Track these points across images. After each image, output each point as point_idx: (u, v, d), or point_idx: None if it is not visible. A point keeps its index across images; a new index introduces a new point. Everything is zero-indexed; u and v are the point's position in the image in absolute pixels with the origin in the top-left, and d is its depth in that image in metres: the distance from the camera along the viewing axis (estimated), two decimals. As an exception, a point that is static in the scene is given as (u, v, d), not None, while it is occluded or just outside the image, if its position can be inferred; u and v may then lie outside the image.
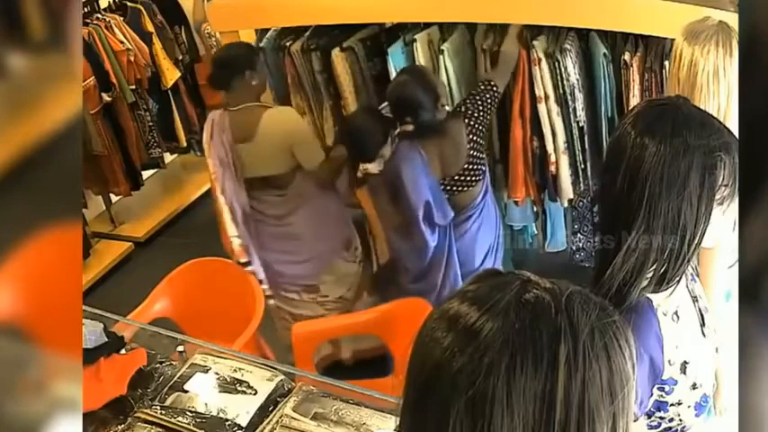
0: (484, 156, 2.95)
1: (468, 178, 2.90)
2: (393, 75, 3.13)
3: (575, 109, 2.93)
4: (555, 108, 2.94)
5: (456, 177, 2.89)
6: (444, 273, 2.99)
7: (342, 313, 3.34)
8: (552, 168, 3.06)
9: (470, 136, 2.85)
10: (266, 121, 2.99)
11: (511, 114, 3.05)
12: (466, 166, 2.88)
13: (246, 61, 3.00)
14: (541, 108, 2.95)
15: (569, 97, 2.91)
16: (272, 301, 3.26)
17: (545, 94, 2.92)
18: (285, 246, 3.22)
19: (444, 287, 2.99)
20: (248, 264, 3.17)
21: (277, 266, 3.25)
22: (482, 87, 2.88)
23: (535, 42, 2.86)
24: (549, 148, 3.03)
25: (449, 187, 2.90)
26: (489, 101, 2.86)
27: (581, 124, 2.97)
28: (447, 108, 2.89)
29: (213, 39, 4.40)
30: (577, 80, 2.89)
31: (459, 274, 2.99)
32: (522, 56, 2.90)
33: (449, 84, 3.08)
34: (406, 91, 2.78)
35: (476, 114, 2.85)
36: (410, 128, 2.83)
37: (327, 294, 3.32)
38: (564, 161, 3.04)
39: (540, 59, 2.87)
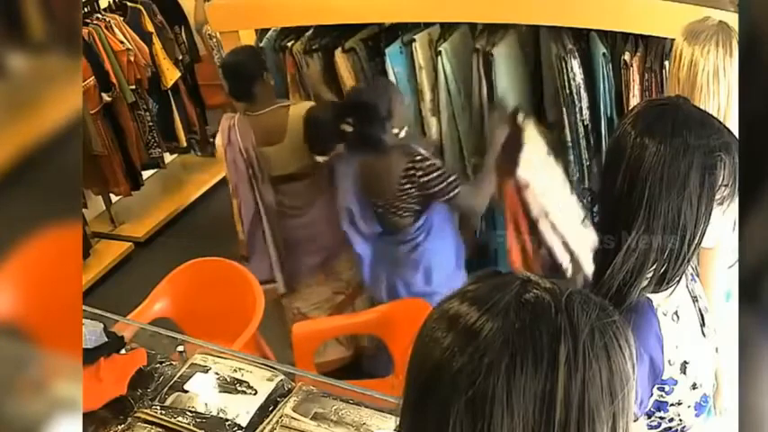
0: (420, 209, 2.82)
1: (398, 211, 2.83)
2: (391, 75, 3.13)
3: (580, 108, 2.94)
4: (559, 217, 2.79)
5: (382, 203, 2.85)
6: (387, 293, 2.98)
7: (349, 300, 3.38)
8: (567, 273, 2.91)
9: (406, 182, 2.74)
10: (294, 119, 3.03)
11: (505, 240, 2.96)
12: (395, 202, 2.79)
13: (259, 65, 3.03)
14: (543, 225, 2.82)
15: (575, 97, 2.91)
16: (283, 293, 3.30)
17: (543, 211, 2.80)
18: (311, 231, 3.24)
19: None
20: (246, 259, 3.22)
21: (303, 255, 3.28)
22: (450, 180, 2.71)
23: (521, 167, 2.77)
24: (560, 258, 2.86)
25: (377, 207, 2.87)
26: (442, 185, 2.71)
27: (585, 122, 2.97)
28: (401, 135, 2.77)
29: (214, 40, 4.40)
30: (583, 80, 2.89)
31: (402, 294, 2.95)
32: (508, 187, 2.79)
33: (447, 84, 3.08)
34: (361, 97, 2.77)
35: (420, 179, 2.71)
36: (349, 129, 2.77)
37: (342, 278, 3.37)
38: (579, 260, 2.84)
39: (527, 185, 2.77)
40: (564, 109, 2.99)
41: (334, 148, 2.89)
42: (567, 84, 2.90)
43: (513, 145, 2.76)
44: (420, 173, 2.69)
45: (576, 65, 2.84)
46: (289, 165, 3.11)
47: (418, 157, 2.70)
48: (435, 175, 2.69)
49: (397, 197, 2.78)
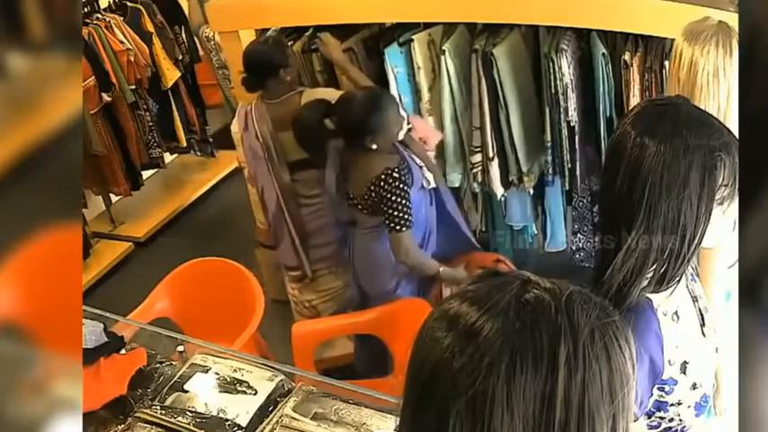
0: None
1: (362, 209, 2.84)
2: (390, 75, 3.13)
3: (566, 108, 2.93)
4: None
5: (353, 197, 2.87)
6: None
7: None
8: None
9: (372, 188, 2.73)
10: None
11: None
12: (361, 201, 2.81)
13: (280, 59, 3.00)
14: None
15: (561, 97, 2.91)
16: (307, 280, 3.31)
17: None
18: (324, 221, 3.23)
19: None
20: (272, 247, 3.24)
21: (313, 245, 3.28)
22: (404, 216, 2.70)
23: None
24: None
25: (350, 201, 2.88)
26: (393, 212, 2.69)
27: (572, 124, 2.96)
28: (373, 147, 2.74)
29: (212, 42, 4.40)
30: (571, 80, 2.89)
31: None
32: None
33: (449, 83, 3.07)
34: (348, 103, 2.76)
35: (381, 192, 2.68)
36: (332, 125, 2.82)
37: None
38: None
39: None
40: (547, 108, 2.99)
41: (324, 145, 2.86)
42: (552, 83, 2.90)
43: None
44: (386, 187, 2.66)
45: (564, 64, 2.84)
46: (300, 151, 3.12)
47: (395, 174, 2.65)
48: (397, 199, 2.66)
49: (362, 197, 2.78)
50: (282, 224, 3.21)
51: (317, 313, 3.35)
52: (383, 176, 2.66)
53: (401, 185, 2.66)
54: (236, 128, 3.21)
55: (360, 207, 2.82)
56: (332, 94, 3.05)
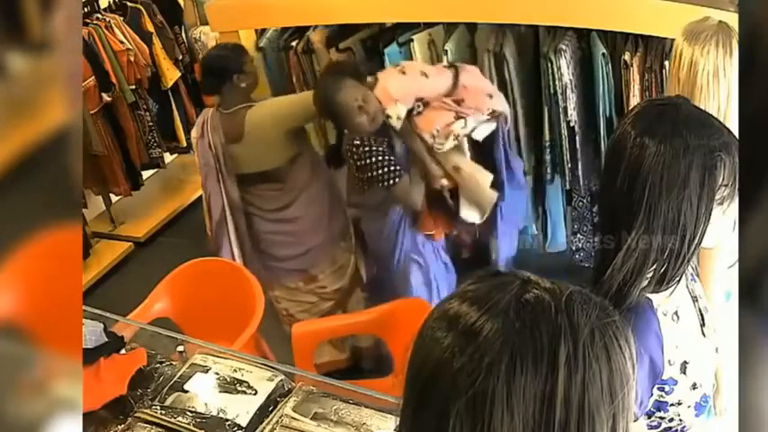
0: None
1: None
2: None
3: (565, 108, 2.93)
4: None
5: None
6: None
7: (338, 305, 3.36)
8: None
9: (350, 163, 2.86)
10: (251, 119, 3.02)
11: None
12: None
13: (235, 65, 3.01)
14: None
15: (560, 97, 2.91)
16: (270, 292, 3.28)
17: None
18: (284, 238, 3.23)
19: None
20: (213, 255, 3.24)
21: (276, 258, 3.27)
22: (391, 169, 2.78)
23: None
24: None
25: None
26: (380, 171, 2.79)
27: (572, 124, 2.97)
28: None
29: (199, 43, 4.40)
30: (570, 80, 2.89)
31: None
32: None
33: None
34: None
35: (356, 162, 2.81)
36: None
37: (326, 285, 3.34)
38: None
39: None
40: (546, 108, 2.99)
41: None
42: (551, 83, 2.90)
43: None
44: (355, 156, 2.76)
45: (563, 64, 2.85)
46: (254, 163, 3.11)
47: (356, 142, 2.75)
48: (371, 160, 2.74)
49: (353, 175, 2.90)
50: (224, 234, 3.21)
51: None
52: (347, 146, 2.78)
53: (367, 148, 2.73)
54: (194, 133, 3.23)
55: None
56: (280, 104, 3.09)
